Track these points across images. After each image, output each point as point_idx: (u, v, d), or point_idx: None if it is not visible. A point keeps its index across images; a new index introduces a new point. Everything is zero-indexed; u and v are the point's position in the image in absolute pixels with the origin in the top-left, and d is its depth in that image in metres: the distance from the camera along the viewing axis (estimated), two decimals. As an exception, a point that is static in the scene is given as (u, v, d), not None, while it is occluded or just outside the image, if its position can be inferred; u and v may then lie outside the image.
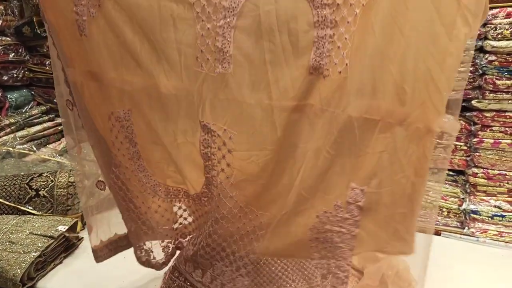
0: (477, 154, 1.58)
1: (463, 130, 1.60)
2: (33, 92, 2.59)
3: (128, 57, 0.80)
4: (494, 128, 1.53)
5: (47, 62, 2.48)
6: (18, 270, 1.33)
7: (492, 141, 1.54)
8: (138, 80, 0.81)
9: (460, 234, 1.65)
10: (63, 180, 1.75)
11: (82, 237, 1.65)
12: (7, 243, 1.43)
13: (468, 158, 1.62)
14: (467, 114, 1.57)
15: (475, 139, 1.56)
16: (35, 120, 2.41)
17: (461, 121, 1.60)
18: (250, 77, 0.74)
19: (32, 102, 2.55)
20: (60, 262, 1.51)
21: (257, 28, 0.71)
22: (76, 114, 0.97)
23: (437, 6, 0.68)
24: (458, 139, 1.62)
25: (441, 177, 0.90)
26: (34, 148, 1.97)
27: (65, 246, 1.55)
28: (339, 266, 0.80)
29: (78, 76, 0.87)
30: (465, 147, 1.61)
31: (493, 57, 1.45)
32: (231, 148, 0.77)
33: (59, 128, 2.48)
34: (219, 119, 0.77)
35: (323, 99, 0.73)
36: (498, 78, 1.46)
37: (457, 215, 1.67)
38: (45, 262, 1.45)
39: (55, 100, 2.52)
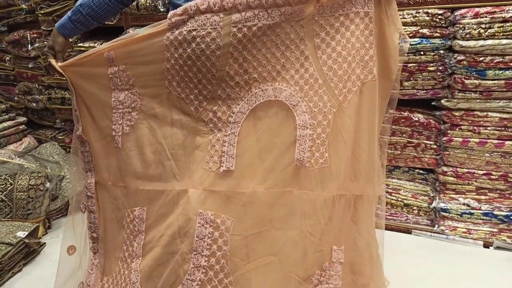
0: (447, 152, 1.59)
1: (433, 129, 1.61)
2: (-8, 90, 2.45)
3: (145, 167, 1.02)
4: (463, 127, 1.55)
5: (7, 58, 2.35)
6: (-29, 281, 1.24)
7: (461, 139, 1.56)
8: (154, 186, 1.00)
9: (431, 232, 1.66)
10: (23, 183, 1.66)
11: (44, 243, 1.57)
12: (-40, 251, 1.34)
13: (438, 157, 1.64)
14: (437, 113, 1.58)
15: (444, 138, 1.58)
16: (-6, 119, 2.28)
17: (431, 120, 1.61)
18: (250, 170, 0.92)
19: (-9, 100, 2.41)
20: (19, 270, 1.43)
21: (254, 133, 0.93)
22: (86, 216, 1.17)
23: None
24: (428, 138, 1.63)
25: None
26: (-9, 150, 1.86)
27: (25, 252, 1.47)
28: None
29: (99, 179, 1.13)
30: (435, 146, 1.63)
31: (462, 57, 1.46)
32: (227, 234, 0.92)
33: (20, 127, 2.35)
34: (221, 209, 0.92)
35: (306, 184, 0.92)
36: (467, 77, 1.48)
37: (427, 213, 1.68)
38: (2, 271, 1.36)
39: (15, 98, 2.39)
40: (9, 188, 1.64)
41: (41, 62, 2.22)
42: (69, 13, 1.08)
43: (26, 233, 1.46)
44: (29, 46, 2.17)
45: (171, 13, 0.92)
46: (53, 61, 1.08)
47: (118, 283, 1.04)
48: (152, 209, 1.01)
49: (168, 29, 0.91)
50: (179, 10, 0.90)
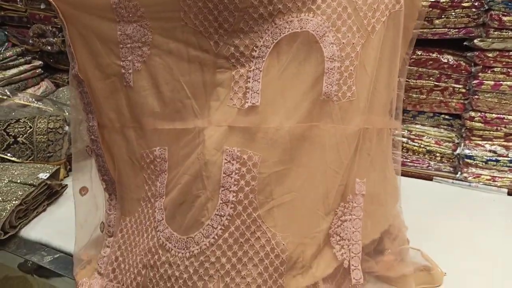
0: (476, 97, 1.51)
1: (463, 71, 1.51)
2: (6, 33, 2.41)
3: (163, 106, 0.96)
4: (495, 69, 1.45)
5: (19, -1, 2.29)
6: (-2, 219, 1.28)
7: (492, 83, 1.46)
8: (175, 125, 0.96)
9: (453, 179, 1.62)
10: (42, 126, 1.67)
11: (66, 184, 1.60)
12: (-15, 191, 1.37)
13: (466, 101, 1.56)
14: (468, 54, 1.48)
15: (475, 81, 1.48)
16: (11, 63, 2.26)
17: (461, 62, 1.51)
18: (273, 106, 0.89)
19: (6, 43, 2.38)
20: (44, 210, 1.47)
21: (278, 68, 0.89)
22: (94, 159, 1.11)
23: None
24: (457, 81, 1.54)
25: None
26: (8, 93, 1.86)
27: (48, 193, 1.51)
28: (353, 249, 0.96)
29: (104, 121, 1.05)
30: (463, 90, 1.54)
31: (501, -9, 1.34)
32: (255, 170, 0.90)
33: (37, 71, 2.34)
34: (246, 145, 0.89)
35: (334, 118, 0.91)
36: (505, 14, 1.35)
37: (451, 160, 1.63)
38: (27, 210, 1.40)
39: (30, 41, 2.35)
40: (28, 131, 1.65)
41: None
42: None
43: (48, 174, 1.48)
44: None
45: None
46: None
47: (142, 222, 1.03)
48: (174, 148, 0.97)
49: None
50: None
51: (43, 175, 1.47)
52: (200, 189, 0.91)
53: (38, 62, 2.36)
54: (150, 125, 0.99)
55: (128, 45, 0.95)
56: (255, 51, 0.88)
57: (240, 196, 0.89)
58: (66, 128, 1.73)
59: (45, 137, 1.65)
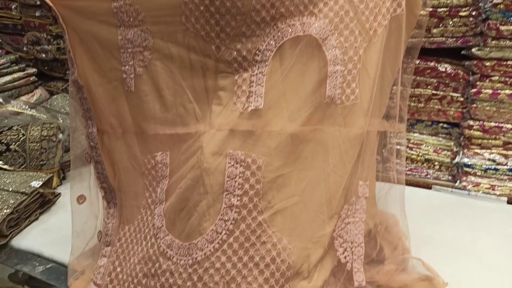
0: (474, 105, 1.51)
1: (461, 80, 1.51)
2: (0, 40, 2.39)
3: (164, 111, 0.95)
4: (493, 78, 1.45)
5: (13, 6, 2.27)
6: (-12, 228, 1.25)
7: (490, 91, 1.46)
8: (177, 130, 0.95)
9: (452, 187, 1.61)
10: (35, 134, 1.64)
11: (59, 193, 1.57)
12: (-24, 199, 1.34)
13: (464, 110, 1.56)
14: (466, 63, 1.48)
15: (473, 90, 1.49)
16: (4, 70, 2.23)
17: (459, 71, 1.51)
18: (276, 109, 0.88)
19: (0, 51, 2.36)
20: (36, 219, 1.44)
21: (281, 72, 0.88)
22: (92, 167, 1.09)
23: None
24: (455, 89, 1.54)
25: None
26: (1, 100, 1.83)
27: (41, 202, 1.47)
28: (355, 252, 0.96)
29: (105, 127, 1.04)
30: (461, 99, 1.54)
31: (498, 0, 1.35)
32: (259, 173, 0.88)
33: (31, 79, 2.31)
34: (249, 148, 0.88)
35: (337, 121, 0.90)
36: (503, 23, 1.36)
37: (449, 169, 1.63)
38: (19, 219, 1.37)
39: (24, 49, 2.33)
40: (21, 138, 1.62)
41: (48, 10, 2.14)
42: None
43: (41, 183, 1.45)
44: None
45: None
46: None
47: (141, 230, 1.01)
48: (175, 153, 0.96)
49: None
50: None
51: (36, 183, 1.44)
52: (201, 194, 0.89)
53: (32, 70, 2.33)
54: (152, 130, 0.98)
55: (129, 49, 0.94)
56: (258, 55, 0.87)
57: (245, 200, 0.87)
58: (60, 135, 1.70)
59: (38, 144, 1.62)
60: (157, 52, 0.93)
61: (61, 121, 1.81)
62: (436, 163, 1.65)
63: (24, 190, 1.39)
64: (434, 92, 1.58)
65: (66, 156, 1.78)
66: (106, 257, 1.06)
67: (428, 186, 1.66)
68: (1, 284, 1.32)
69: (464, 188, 1.58)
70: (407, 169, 1.69)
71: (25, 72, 2.29)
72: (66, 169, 1.77)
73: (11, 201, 1.33)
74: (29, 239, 1.33)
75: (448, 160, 1.62)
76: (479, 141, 1.55)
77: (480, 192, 1.56)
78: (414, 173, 1.69)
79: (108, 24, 0.94)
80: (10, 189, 1.38)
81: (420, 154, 1.67)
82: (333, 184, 0.93)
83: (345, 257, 0.95)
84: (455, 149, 1.62)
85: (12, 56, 2.30)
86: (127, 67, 0.96)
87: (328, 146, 0.92)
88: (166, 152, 0.97)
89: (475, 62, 1.46)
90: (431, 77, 1.57)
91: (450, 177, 1.65)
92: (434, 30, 1.49)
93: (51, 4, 0.94)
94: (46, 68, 2.42)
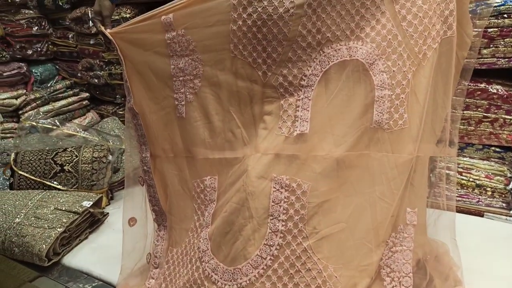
0: (529, 128, 1.43)
1: (513, 101, 1.45)
2: (57, 67, 2.56)
3: (213, 136, 0.98)
4: (550, 100, 1.38)
5: (70, 36, 2.44)
6: (44, 245, 1.31)
7: (547, 114, 1.39)
8: (225, 154, 0.97)
9: (506, 215, 1.52)
10: (87, 155, 1.72)
11: (107, 213, 1.62)
12: (33, 218, 1.41)
13: (518, 133, 1.48)
14: (519, 83, 1.42)
15: (527, 112, 1.42)
16: (60, 95, 2.39)
17: (510, 92, 1.45)
18: (322, 134, 0.88)
19: (56, 77, 2.53)
20: (86, 238, 1.49)
21: (327, 97, 0.88)
22: (145, 190, 1.13)
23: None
24: (508, 112, 1.48)
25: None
26: (58, 123, 1.94)
27: (90, 221, 1.53)
28: (403, 282, 0.92)
29: (158, 152, 1.08)
30: (515, 121, 1.47)
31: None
32: (304, 198, 0.87)
33: (84, 103, 2.45)
34: (294, 173, 0.88)
35: (385, 147, 0.89)
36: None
37: (503, 195, 1.54)
38: (70, 238, 1.43)
39: (78, 74, 2.48)
40: (75, 160, 1.71)
41: (101, 39, 2.27)
42: None
43: (91, 203, 1.51)
44: (90, 22, 2.22)
45: None
46: (102, 28, 1.00)
47: (188, 253, 1.03)
48: (223, 177, 0.98)
49: None
50: None
51: (87, 203, 1.50)
52: (246, 218, 0.90)
53: (85, 94, 2.48)
54: (201, 155, 1.01)
55: (181, 78, 0.99)
56: (304, 80, 0.88)
57: (290, 225, 0.87)
58: (110, 157, 1.78)
59: (89, 165, 1.70)
60: (207, 79, 0.96)
61: (111, 143, 1.90)
62: (489, 189, 1.56)
63: (76, 209, 1.45)
64: (485, 114, 1.51)
65: (114, 177, 1.85)
66: (154, 279, 1.08)
67: (480, 214, 1.57)
68: (53, 300, 1.37)
69: (520, 216, 1.49)
70: (457, 195, 1.61)
71: (79, 96, 2.44)
72: (114, 190, 1.84)
73: (64, 220, 1.40)
74: (79, 257, 1.38)
75: (501, 186, 1.54)
76: (536, 166, 1.46)
77: (538, 220, 1.46)
78: (464, 200, 1.61)
79: (162, 55, 0.99)
80: (63, 208, 1.45)
81: (471, 179, 1.59)
82: (380, 211, 0.90)
83: (392, 287, 0.91)
84: (509, 175, 1.53)
85: (67, 82, 2.46)
86: (178, 94, 1.00)
87: (375, 172, 0.90)
88: (214, 177, 1.00)
89: (528, 83, 1.40)
90: (482, 99, 1.51)
91: (504, 204, 1.56)
92: (485, 51, 1.44)
93: (110, 38, 1.00)
94: (97, 92, 2.56)
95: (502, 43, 1.40)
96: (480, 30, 1.38)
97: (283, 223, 0.87)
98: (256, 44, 0.88)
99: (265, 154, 0.90)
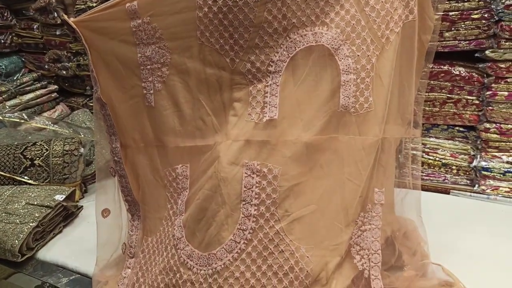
0: (490, 108, 1.49)
1: (476, 83, 1.51)
2: (23, 59, 2.49)
3: (184, 124, 0.98)
4: (509, 80, 1.44)
5: (35, 26, 2.36)
6: (16, 241, 1.29)
7: (506, 93, 1.45)
8: (196, 142, 0.98)
9: (470, 192, 1.60)
10: (58, 149, 1.69)
11: (82, 206, 1.61)
12: (4, 214, 1.39)
13: (480, 113, 1.54)
14: (480, 65, 1.47)
15: (488, 92, 1.48)
16: (27, 88, 2.32)
17: (473, 73, 1.50)
18: (291, 119, 0.90)
19: (23, 69, 2.45)
20: (60, 232, 1.48)
21: (295, 82, 0.90)
22: (117, 180, 1.12)
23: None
24: (470, 93, 1.54)
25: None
26: (25, 117, 1.90)
27: (64, 215, 1.51)
28: (373, 259, 0.95)
29: (128, 142, 1.08)
30: (477, 101, 1.53)
31: (510, 1, 1.34)
32: (275, 183, 0.89)
33: (52, 95, 2.39)
34: (265, 158, 0.89)
35: (352, 130, 0.91)
36: (516, 24, 1.36)
37: (467, 173, 1.61)
38: (44, 232, 1.41)
39: (46, 66, 2.42)
40: (45, 153, 1.68)
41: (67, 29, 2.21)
42: None
43: (64, 196, 1.49)
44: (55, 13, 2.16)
45: None
46: (65, 17, 0.98)
47: (163, 241, 1.03)
48: (195, 165, 0.98)
49: None
50: None
51: (60, 197, 1.48)
52: (219, 204, 0.91)
53: (53, 87, 2.42)
54: (172, 143, 1.01)
55: (148, 66, 0.98)
56: (271, 66, 0.89)
57: (262, 209, 0.89)
58: (81, 150, 1.75)
59: (61, 159, 1.67)
60: (174, 67, 0.96)
61: (82, 135, 1.87)
62: (454, 167, 1.63)
63: (48, 203, 1.44)
64: (449, 95, 1.57)
65: (87, 170, 1.83)
66: (130, 269, 1.09)
67: (446, 191, 1.64)
68: (29, 295, 1.36)
69: (483, 192, 1.56)
70: (424, 174, 1.68)
71: (47, 89, 2.38)
72: (87, 183, 1.82)
73: (37, 215, 1.38)
74: (54, 251, 1.37)
75: (465, 164, 1.61)
76: (497, 143, 1.54)
77: (500, 195, 1.54)
78: (431, 178, 1.68)
79: (128, 43, 0.98)
80: (35, 203, 1.43)
81: (437, 159, 1.66)
82: (349, 192, 0.93)
83: (362, 265, 0.95)
84: (472, 153, 1.60)
85: (34, 74, 2.39)
86: (147, 83, 0.99)
87: (343, 154, 0.92)
88: (186, 165, 1.00)
89: (489, 64, 1.46)
90: (445, 81, 1.56)
91: (468, 182, 1.63)
92: (447, 34, 1.49)
93: (74, 26, 0.98)
94: (66, 84, 2.50)
95: (463, 26, 1.45)
96: (440, 13, 1.43)
97: (256, 208, 0.88)
98: (223, 30, 0.88)
99: (236, 140, 0.91)
